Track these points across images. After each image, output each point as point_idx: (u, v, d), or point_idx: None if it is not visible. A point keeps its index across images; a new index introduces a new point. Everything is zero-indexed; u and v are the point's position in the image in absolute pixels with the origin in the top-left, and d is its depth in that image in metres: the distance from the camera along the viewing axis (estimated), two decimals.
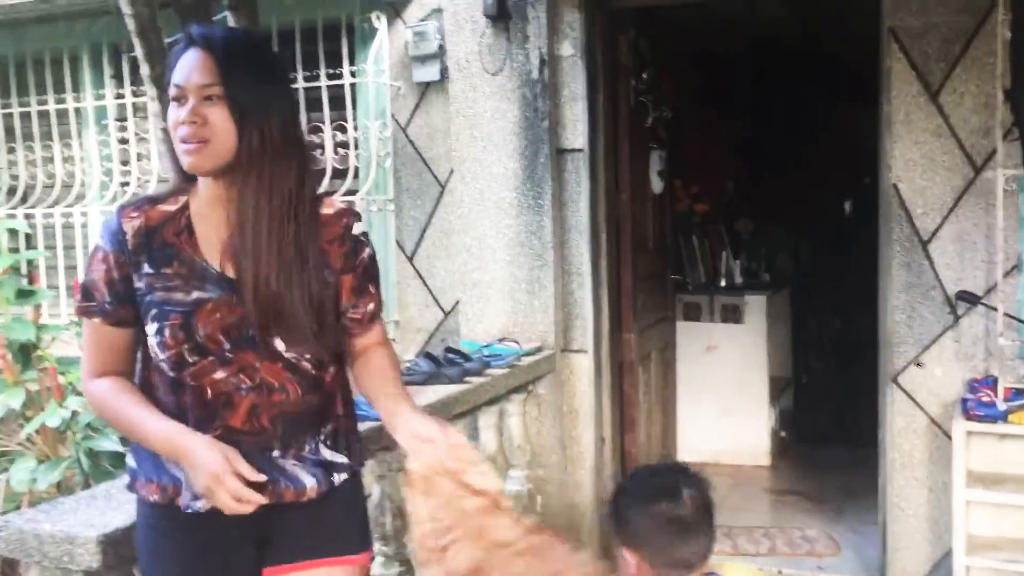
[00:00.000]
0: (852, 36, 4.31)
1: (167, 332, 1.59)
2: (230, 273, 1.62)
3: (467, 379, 3.19)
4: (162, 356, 1.60)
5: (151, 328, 1.60)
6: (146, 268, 1.61)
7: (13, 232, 4.63)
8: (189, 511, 1.63)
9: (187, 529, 1.65)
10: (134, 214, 1.63)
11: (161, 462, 1.65)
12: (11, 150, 5.16)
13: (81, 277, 1.64)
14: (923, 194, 3.42)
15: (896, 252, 3.46)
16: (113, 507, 1.84)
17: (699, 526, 1.81)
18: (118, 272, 1.61)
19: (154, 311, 1.59)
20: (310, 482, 1.69)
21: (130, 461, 1.72)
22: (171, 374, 1.62)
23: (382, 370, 1.79)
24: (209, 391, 1.61)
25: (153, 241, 1.61)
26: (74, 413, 3.05)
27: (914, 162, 3.42)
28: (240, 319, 1.61)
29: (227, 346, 1.61)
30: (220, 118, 1.57)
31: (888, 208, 3.48)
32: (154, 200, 1.66)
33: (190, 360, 1.60)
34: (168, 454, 1.60)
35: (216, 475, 1.53)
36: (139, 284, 1.61)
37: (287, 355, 1.64)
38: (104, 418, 1.71)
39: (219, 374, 1.61)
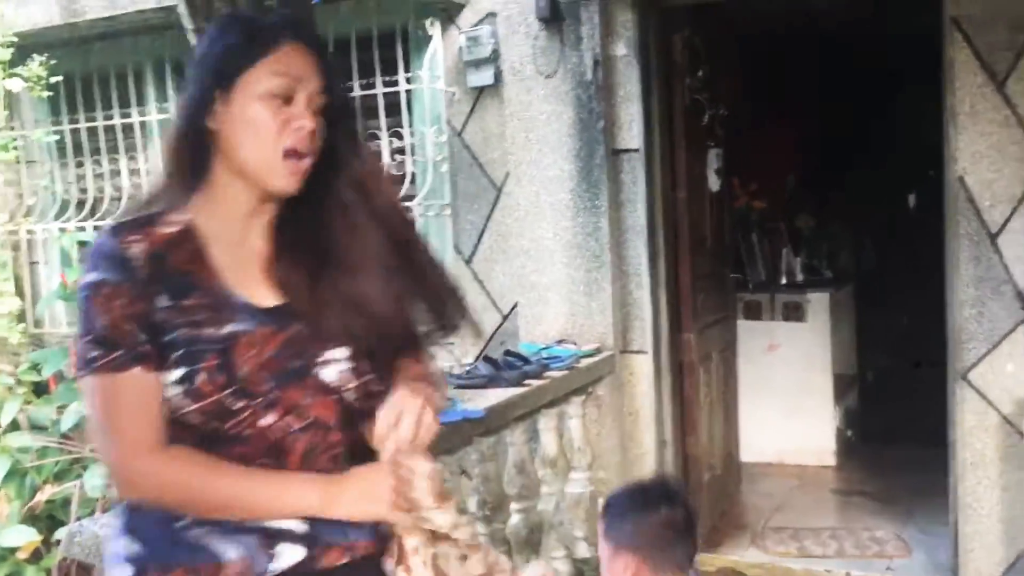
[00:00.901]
0: (914, 28, 4.23)
1: (201, 376, 1.29)
2: (267, 301, 1.37)
3: (526, 382, 3.20)
4: (193, 407, 1.30)
5: (174, 374, 1.30)
6: (163, 300, 1.30)
7: (83, 244, 4.76)
8: None
9: None
10: (134, 237, 1.31)
11: (191, 537, 1.33)
12: (79, 164, 5.31)
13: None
14: (991, 186, 3.33)
15: (964, 246, 3.38)
16: None
17: (690, 530, 2.07)
18: (138, 306, 1.29)
19: (179, 352, 1.29)
20: (358, 535, 1.40)
21: (127, 547, 1.36)
22: (206, 427, 1.32)
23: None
24: (258, 441, 1.34)
25: (164, 268, 1.31)
26: None
27: (980, 154, 3.34)
28: (279, 351, 1.34)
29: (270, 385, 1.33)
30: (320, 131, 1.38)
31: (954, 201, 3.40)
32: (148, 221, 1.34)
33: (234, 408, 1.31)
34: (307, 508, 1.34)
35: (397, 480, 1.34)
36: (155, 320, 1.30)
37: (335, 386, 1.39)
38: (182, 500, 1.32)
39: (267, 419, 1.33)
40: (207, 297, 1.33)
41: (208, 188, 1.38)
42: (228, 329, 1.32)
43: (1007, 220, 3.32)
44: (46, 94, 4.88)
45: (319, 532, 1.36)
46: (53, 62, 4.84)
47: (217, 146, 1.36)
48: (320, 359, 1.37)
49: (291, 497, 1.34)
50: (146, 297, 1.29)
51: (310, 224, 1.41)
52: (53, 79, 4.86)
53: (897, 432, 5.47)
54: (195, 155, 1.36)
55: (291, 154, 1.34)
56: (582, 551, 3.50)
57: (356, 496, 1.35)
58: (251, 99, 1.33)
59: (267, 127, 1.34)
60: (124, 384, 1.29)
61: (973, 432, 3.41)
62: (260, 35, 1.36)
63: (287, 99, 1.34)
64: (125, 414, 1.30)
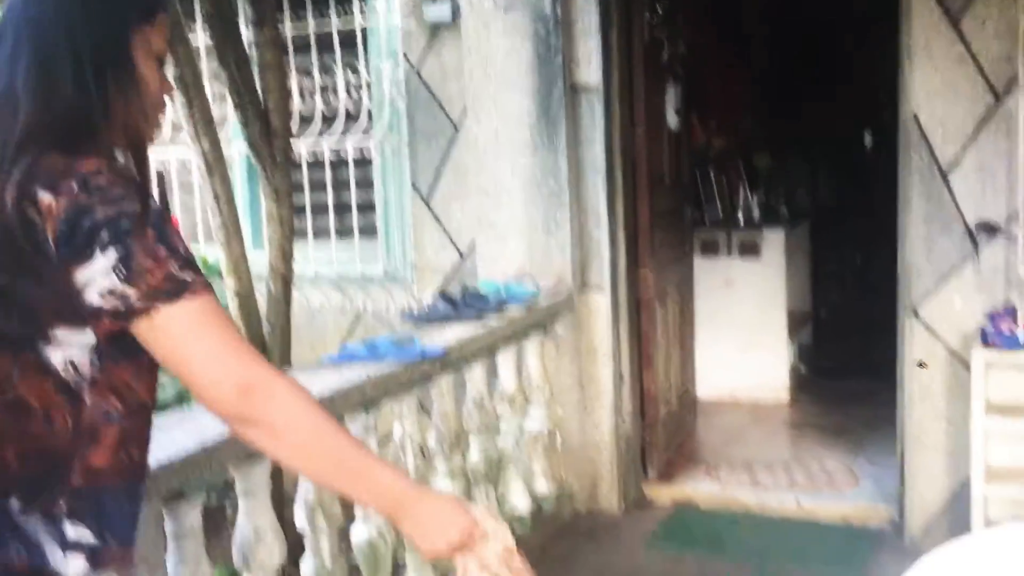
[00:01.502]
0: None
1: None
2: None
3: (484, 319, 3.21)
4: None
5: None
6: None
7: None
8: None
9: None
10: None
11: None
12: None
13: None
14: (943, 123, 3.36)
15: (916, 183, 3.42)
16: None
17: None
18: None
19: None
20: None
21: (90, 538, 1.22)
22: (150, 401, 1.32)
23: None
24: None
25: None
26: None
27: (934, 91, 3.36)
28: None
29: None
30: None
31: (907, 138, 3.43)
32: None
33: None
34: (389, 499, 1.27)
35: (472, 525, 1.29)
36: None
37: None
38: (313, 450, 1.23)
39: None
40: None
41: (96, 135, 1.22)
42: None
43: (958, 157, 3.35)
44: None
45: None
46: None
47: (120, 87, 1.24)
48: None
49: (384, 479, 1.27)
50: None
51: None
52: None
53: (850, 367, 5.60)
54: (115, 90, 1.23)
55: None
56: (541, 486, 3.56)
57: (428, 518, 1.28)
58: (146, 55, 1.27)
59: (157, 85, 1.30)
60: (215, 304, 1.20)
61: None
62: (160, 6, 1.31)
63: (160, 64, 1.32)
64: (235, 334, 1.21)
